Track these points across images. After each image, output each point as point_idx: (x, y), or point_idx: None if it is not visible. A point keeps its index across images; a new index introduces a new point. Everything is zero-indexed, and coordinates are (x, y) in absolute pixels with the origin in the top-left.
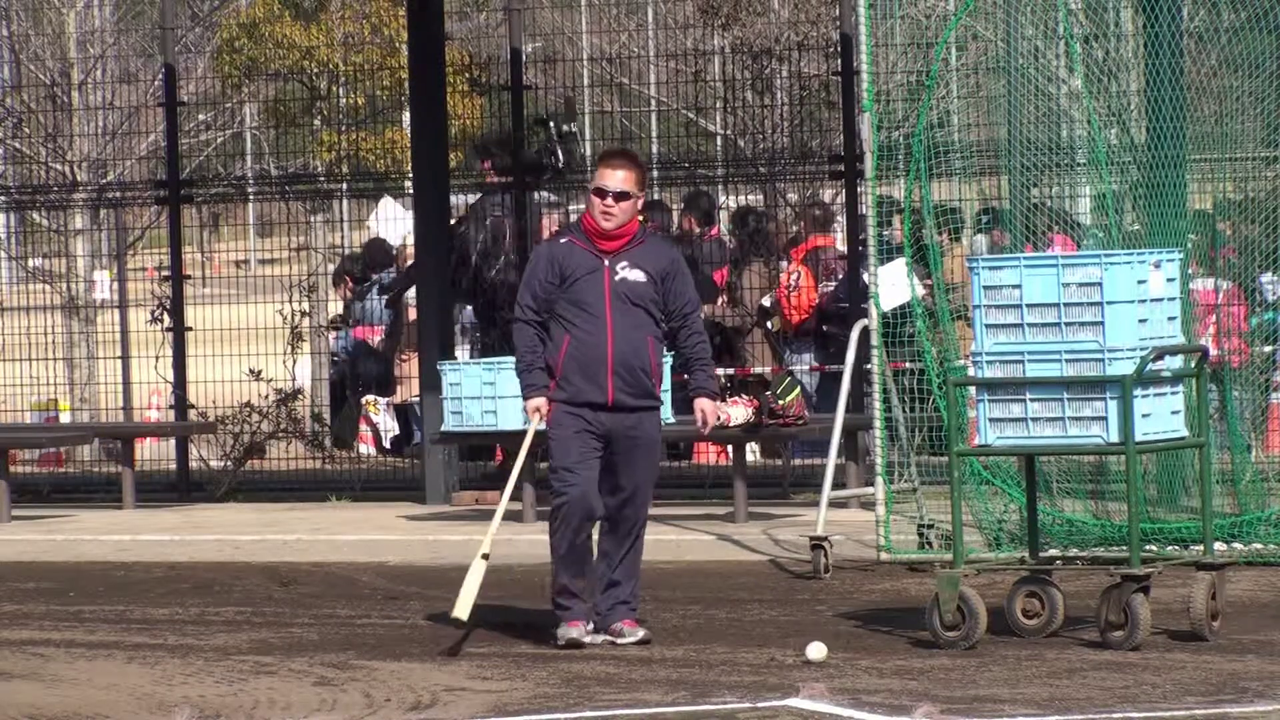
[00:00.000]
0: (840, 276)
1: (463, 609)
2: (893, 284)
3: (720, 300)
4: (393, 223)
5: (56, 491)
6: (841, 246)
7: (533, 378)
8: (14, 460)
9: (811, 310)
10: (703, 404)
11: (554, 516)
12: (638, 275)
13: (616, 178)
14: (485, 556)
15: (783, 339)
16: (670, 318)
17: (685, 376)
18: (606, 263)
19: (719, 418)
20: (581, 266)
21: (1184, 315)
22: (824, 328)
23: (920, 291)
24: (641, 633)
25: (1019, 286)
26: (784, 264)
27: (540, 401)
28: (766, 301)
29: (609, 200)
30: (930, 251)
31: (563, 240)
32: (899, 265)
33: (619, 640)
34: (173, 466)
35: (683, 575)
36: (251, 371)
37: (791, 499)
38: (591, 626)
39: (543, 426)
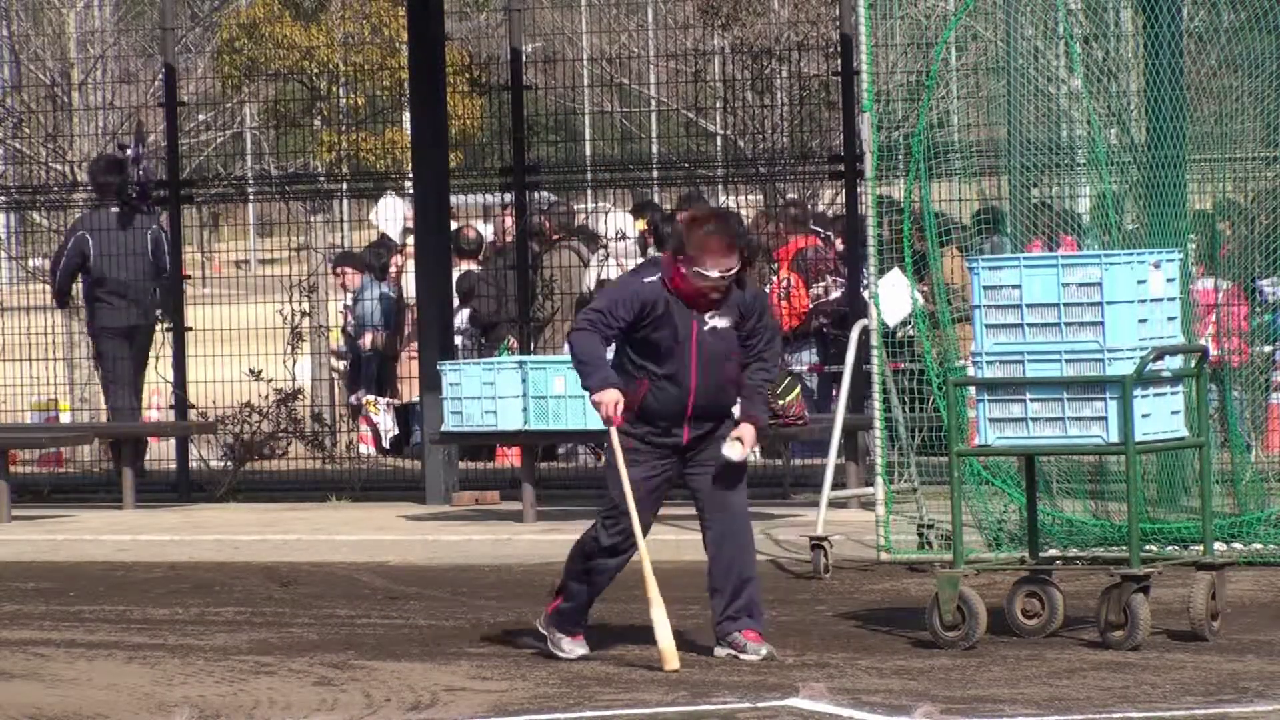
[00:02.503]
0: (833, 278)
1: (672, 659)
2: (893, 285)
3: None
4: (393, 222)
5: (56, 491)
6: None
7: (598, 369)
8: (14, 460)
9: (805, 315)
10: (745, 431)
11: (585, 552)
12: (724, 323)
13: (723, 265)
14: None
15: None
16: (746, 352)
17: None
18: (693, 316)
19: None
20: (669, 314)
21: (1184, 315)
22: (824, 328)
23: (918, 298)
24: (765, 649)
25: (1019, 286)
26: (771, 266)
27: (614, 394)
28: None
29: (716, 284)
30: (930, 254)
31: (648, 280)
32: (898, 273)
33: (741, 655)
34: (173, 466)
35: (682, 575)
36: (251, 371)
37: (791, 499)
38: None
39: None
